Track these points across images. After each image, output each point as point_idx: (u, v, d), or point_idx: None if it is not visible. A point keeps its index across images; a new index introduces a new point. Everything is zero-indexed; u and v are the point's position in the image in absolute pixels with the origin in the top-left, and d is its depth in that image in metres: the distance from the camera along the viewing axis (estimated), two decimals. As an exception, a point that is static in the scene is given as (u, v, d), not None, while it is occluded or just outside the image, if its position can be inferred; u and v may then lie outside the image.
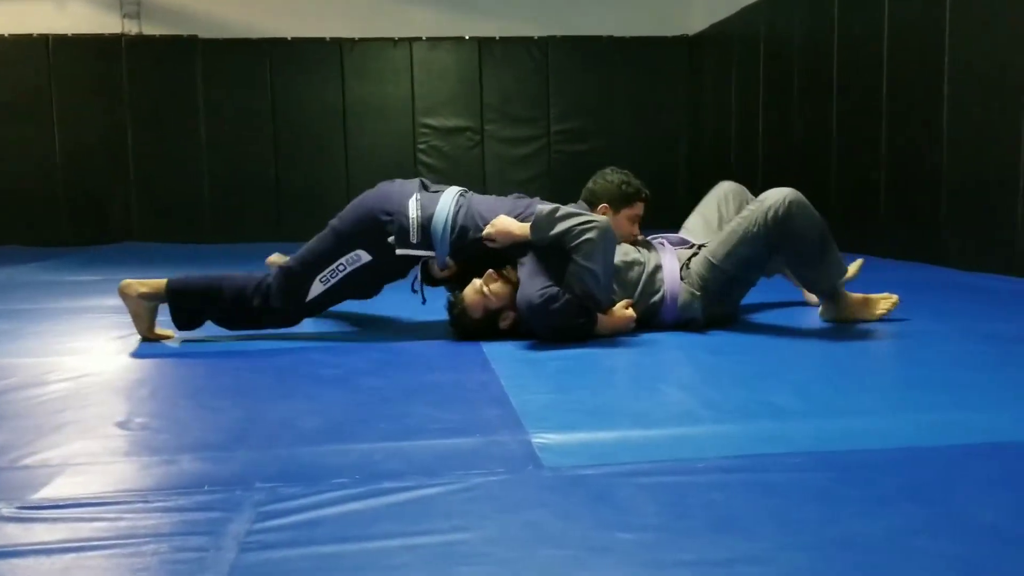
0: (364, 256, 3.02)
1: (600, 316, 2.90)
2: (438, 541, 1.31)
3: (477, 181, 8.42)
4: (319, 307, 3.14)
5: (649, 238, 3.28)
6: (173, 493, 1.54)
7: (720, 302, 3.05)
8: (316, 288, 3.04)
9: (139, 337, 3.09)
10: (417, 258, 3.04)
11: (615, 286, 2.98)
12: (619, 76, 9.02)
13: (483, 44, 8.92)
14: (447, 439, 1.83)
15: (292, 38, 8.72)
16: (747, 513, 1.41)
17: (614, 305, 2.96)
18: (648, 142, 8.96)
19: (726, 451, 1.73)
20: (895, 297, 3.11)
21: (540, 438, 1.81)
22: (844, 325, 3.06)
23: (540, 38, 8.96)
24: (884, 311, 3.09)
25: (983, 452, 1.70)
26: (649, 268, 3.04)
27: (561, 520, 1.39)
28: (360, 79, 8.83)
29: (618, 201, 3.23)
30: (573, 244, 2.80)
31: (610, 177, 3.28)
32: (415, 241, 2.99)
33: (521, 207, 3.07)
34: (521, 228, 2.91)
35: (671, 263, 3.07)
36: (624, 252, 3.06)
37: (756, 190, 3.24)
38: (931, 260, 5.09)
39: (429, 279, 3.17)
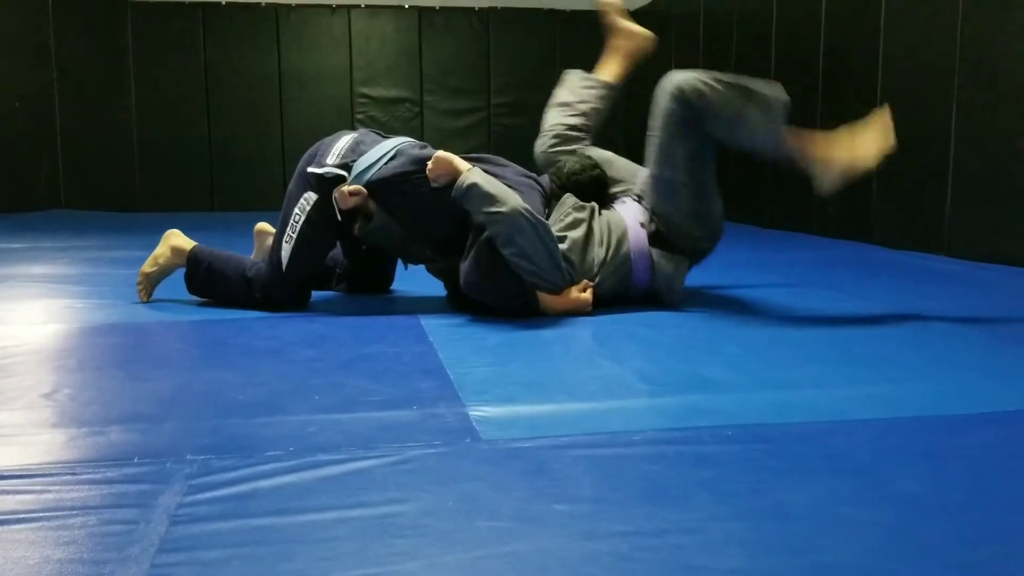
0: (312, 196, 2.95)
1: (550, 297, 2.84)
2: (374, 513, 1.31)
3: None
4: (297, 273, 3.02)
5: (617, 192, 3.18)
6: (102, 465, 1.50)
7: (697, 219, 2.98)
8: (285, 251, 2.98)
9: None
10: (330, 180, 2.94)
11: (573, 268, 2.90)
12: (560, 49, 9.01)
13: (423, 13, 8.81)
14: (384, 411, 1.82)
15: (226, 2, 8.50)
16: (680, 484, 1.43)
17: (571, 285, 2.88)
18: (588, 117, 8.96)
19: (660, 424, 1.76)
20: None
21: (477, 411, 1.82)
22: (780, 296, 3.10)
23: (481, 9, 8.89)
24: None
25: (905, 425, 1.75)
26: (613, 246, 2.95)
27: (497, 492, 1.39)
28: (297, 46, 8.66)
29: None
30: (490, 231, 2.75)
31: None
32: (331, 163, 2.96)
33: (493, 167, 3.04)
34: (463, 165, 2.82)
35: (634, 226, 3.00)
36: (598, 235, 2.97)
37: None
38: (861, 238, 5.22)
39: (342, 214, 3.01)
